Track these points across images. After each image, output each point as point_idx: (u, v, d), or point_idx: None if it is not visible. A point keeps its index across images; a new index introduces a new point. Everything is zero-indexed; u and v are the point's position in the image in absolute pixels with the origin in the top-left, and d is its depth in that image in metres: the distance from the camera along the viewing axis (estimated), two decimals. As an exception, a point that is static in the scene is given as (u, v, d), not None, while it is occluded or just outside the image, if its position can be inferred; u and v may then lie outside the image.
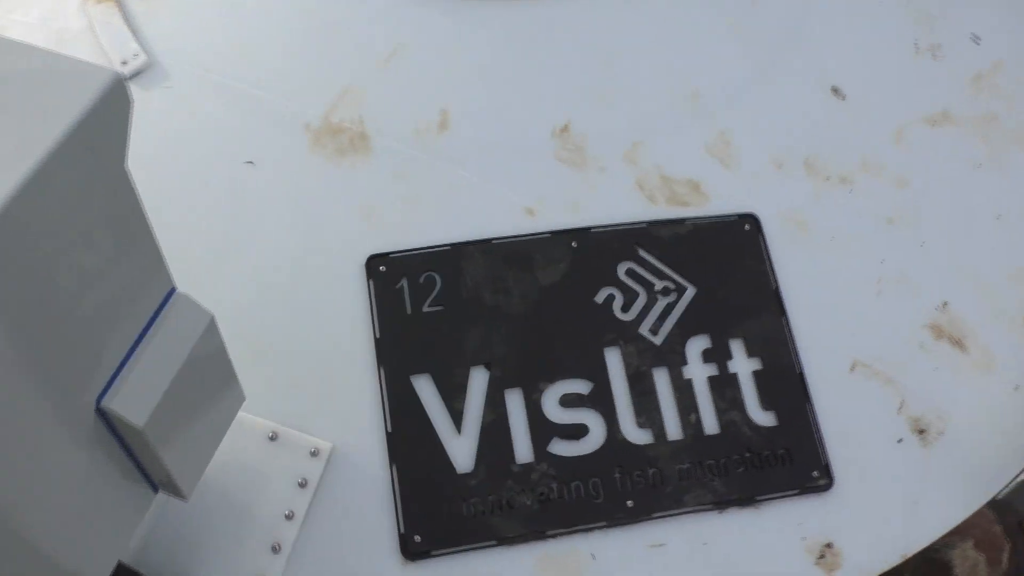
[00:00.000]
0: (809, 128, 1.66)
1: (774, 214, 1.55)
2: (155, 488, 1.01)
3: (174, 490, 1.00)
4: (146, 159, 1.51)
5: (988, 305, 1.55)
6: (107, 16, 1.62)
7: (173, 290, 0.93)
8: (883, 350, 1.48)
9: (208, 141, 1.53)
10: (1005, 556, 2.09)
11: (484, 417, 1.33)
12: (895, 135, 1.68)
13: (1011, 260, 1.60)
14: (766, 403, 1.40)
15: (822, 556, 1.33)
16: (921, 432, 1.44)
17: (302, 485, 1.26)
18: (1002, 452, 1.44)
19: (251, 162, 1.50)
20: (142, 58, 1.55)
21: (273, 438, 1.29)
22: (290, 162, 1.51)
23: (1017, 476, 1.43)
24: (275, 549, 1.23)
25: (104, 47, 1.57)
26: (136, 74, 1.55)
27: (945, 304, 1.53)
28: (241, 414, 1.29)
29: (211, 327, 0.94)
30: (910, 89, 1.74)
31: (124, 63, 1.54)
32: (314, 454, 1.28)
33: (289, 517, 1.25)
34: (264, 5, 1.67)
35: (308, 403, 1.33)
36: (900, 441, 1.42)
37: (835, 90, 1.70)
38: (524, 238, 1.46)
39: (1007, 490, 1.41)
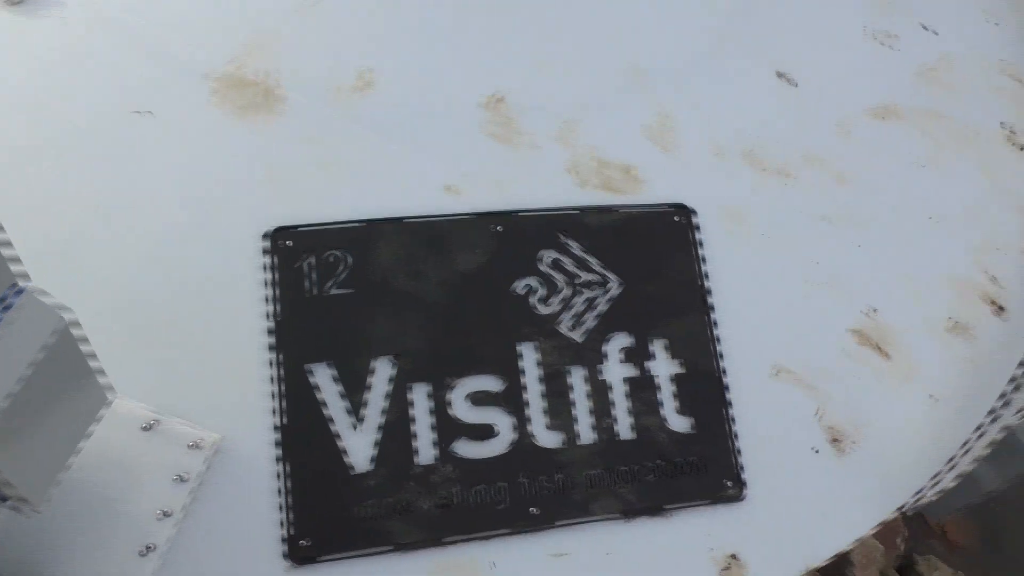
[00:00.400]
0: (754, 115, 1.56)
1: (710, 206, 1.45)
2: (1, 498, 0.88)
3: (24, 503, 0.88)
4: (21, 96, 1.35)
5: (914, 312, 1.50)
6: (-15, -73, 1.41)
7: (18, 287, 0.79)
8: (807, 355, 1.42)
9: (96, 83, 1.34)
10: (900, 540, 2.12)
11: (386, 413, 1.23)
12: (840, 127, 1.59)
13: (940, 266, 1.55)
14: (684, 408, 1.33)
15: (727, 568, 1.29)
16: (836, 442, 1.39)
17: (180, 480, 1.15)
18: (914, 464, 1.41)
19: (145, 111, 1.33)
20: (24, -19, 1.35)
21: (149, 427, 1.16)
22: (188, 115, 1.34)
23: (924, 489, 1.40)
24: (146, 551, 1.11)
25: (-22, -36, 1.36)
26: (17, -1, 1.35)
27: (872, 309, 1.47)
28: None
29: (65, 331, 0.81)
30: (859, 78, 1.66)
31: (1, -15, 1.34)
32: (195, 446, 1.16)
33: (163, 515, 1.13)
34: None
35: (192, 390, 1.20)
36: (814, 450, 1.38)
37: (783, 75, 1.60)
38: (443, 218, 1.33)
39: (915, 504, 1.39)
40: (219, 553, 1.14)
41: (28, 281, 0.80)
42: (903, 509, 1.39)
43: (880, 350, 1.46)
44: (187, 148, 1.31)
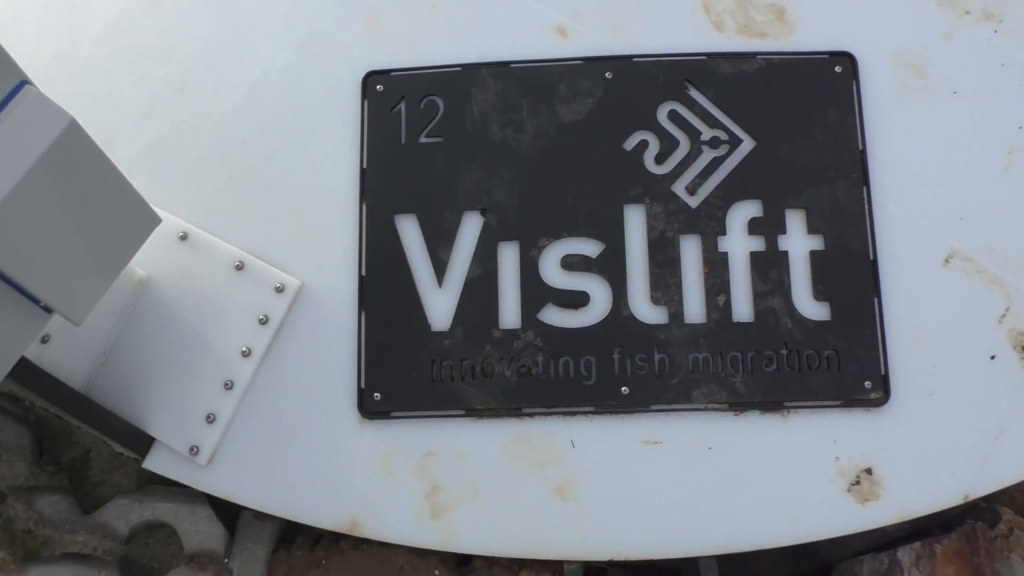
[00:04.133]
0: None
1: (879, 54, 1.11)
2: (45, 309, 0.83)
3: (64, 317, 0.82)
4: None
5: None
6: None
7: (21, 82, 0.70)
8: (996, 242, 1.07)
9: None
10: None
11: (470, 271, 1.06)
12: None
13: None
14: (820, 292, 1.04)
15: (856, 482, 1.01)
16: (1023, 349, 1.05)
17: (263, 322, 1.06)
18: None
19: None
20: None
21: (239, 267, 1.08)
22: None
23: None
24: (228, 386, 1.05)
25: None
26: None
27: (1096, 190, 1.07)
28: (208, 236, 1.10)
29: (72, 131, 0.71)
30: None
31: None
32: (279, 290, 1.07)
33: (246, 354, 1.06)
34: None
35: (280, 233, 1.10)
36: (992, 358, 1.04)
37: None
38: (550, 63, 1.11)
39: None
40: (295, 396, 1.05)
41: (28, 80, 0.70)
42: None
43: (1101, 242, 1.06)
44: (290, -10, 1.19)
